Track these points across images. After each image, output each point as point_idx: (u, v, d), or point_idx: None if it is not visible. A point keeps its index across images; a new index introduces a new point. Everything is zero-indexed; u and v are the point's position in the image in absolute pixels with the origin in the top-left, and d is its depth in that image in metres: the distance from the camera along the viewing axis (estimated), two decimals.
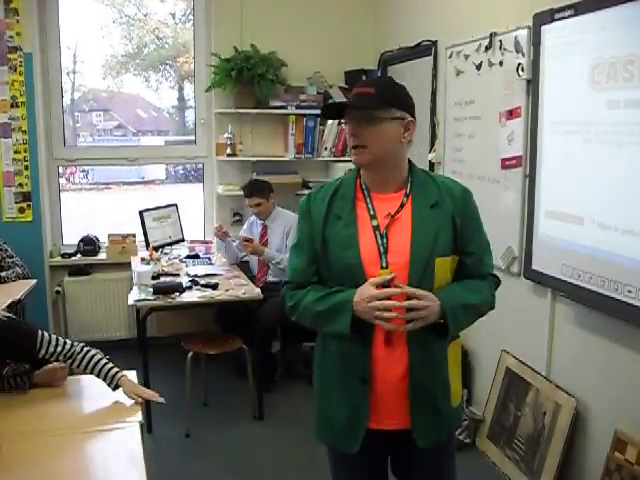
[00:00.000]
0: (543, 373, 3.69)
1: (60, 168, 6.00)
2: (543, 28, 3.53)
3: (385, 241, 2.07)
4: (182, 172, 8.81)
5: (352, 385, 2.14)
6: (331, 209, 2.15)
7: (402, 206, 2.10)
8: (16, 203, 5.53)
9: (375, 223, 2.09)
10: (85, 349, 2.80)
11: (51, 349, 2.74)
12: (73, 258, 5.80)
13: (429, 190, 2.12)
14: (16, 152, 5.47)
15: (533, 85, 3.65)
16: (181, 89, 7.01)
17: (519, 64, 3.77)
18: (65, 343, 2.78)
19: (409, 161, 2.19)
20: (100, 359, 2.78)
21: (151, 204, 5.67)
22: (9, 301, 4.42)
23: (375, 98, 2.02)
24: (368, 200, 2.14)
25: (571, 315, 3.46)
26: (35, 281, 4.97)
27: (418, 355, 2.10)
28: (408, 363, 2.10)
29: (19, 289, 4.72)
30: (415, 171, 2.17)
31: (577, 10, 3.24)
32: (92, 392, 2.81)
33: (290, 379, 5.23)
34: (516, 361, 3.94)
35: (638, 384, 2.98)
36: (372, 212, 2.11)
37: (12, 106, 5.41)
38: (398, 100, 2.07)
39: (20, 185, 5.52)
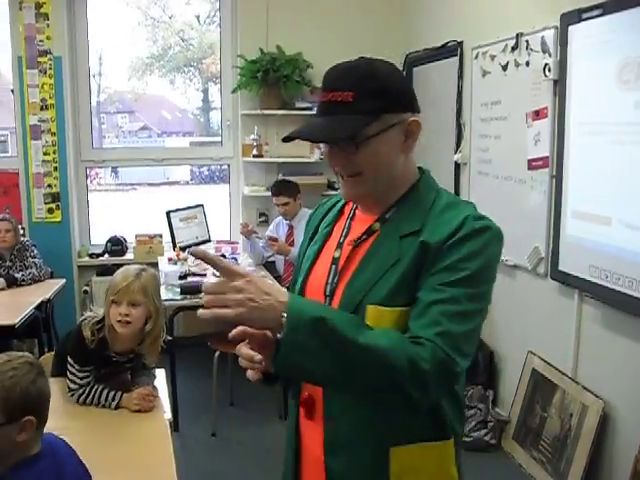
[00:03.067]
0: (570, 374, 3.67)
1: (89, 169, 6.08)
2: (570, 28, 3.52)
3: (336, 279, 1.54)
4: (207, 173, 8.87)
5: (286, 453, 1.72)
6: (320, 224, 1.71)
7: (371, 232, 1.53)
8: (45, 204, 5.61)
9: (337, 254, 1.56)
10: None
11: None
12: (101, 258, 5.87)
13: (416, 213, 1.49)
14: (45, 154, 5.55)
15: (560, 85, 3.64)
16: (206, 91, 7.06)
17: (546, 64, 3.76)
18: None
19: (422, 172, 1.59)
20: (97, 389, 2.76)
21: (176, 205, 5.70)
22: (39, 300, 4.49)
23: (356, 107, 1.42)
24: (348, 220, 1.62)
25: (598, 316, 3.45)
26: (64, 281, 5.03)
27: (335, 433, 1.54)
28: (322, 441, 1.56)
29: (49, 288, 4.79)
30: (418, 188, 1.55)
31: (605, 10, 3.23)
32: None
33: None
34: (542, 362, 3.92)
35: None
36: (342, 238, 1.59)
37: (42, 108, 5.49)
38: (390, 99, 1.45)
39: (49, 186, 5.60)
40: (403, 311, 1.41)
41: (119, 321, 2.65)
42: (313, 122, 1.51)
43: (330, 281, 1.54)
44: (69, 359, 2.73)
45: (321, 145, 1.56)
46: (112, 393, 2.72)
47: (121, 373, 2.91)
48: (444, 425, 1.50)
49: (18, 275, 4.85)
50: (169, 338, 2.91)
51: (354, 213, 1.62)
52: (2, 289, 4.71)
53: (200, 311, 1.29)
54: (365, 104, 1.42)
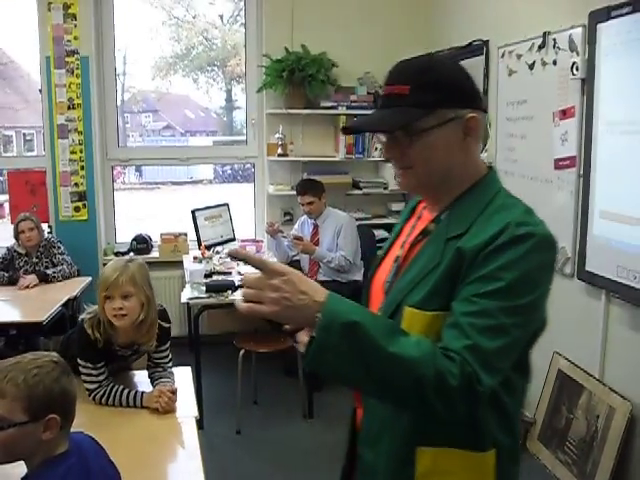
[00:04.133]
0: (596, 376, 3.64)
1: (115, 167, 6.12)
2: (599, 26, 3.49)
3: (393, 278, 1.55)
4: (230, 172, 8.90)
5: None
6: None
7: (426, 233, 1.52)
8: (72, 202, 5.66)
9: (399, 253, 1.57)
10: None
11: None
12: (126, 256, 5.90)
13: (467, 215, 1.45)
14: (72, 152, 5.60)
15: (588, 84, 3.60)
16: (229, 90, 7.09)
17: (573, 63, 3.73)
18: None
19: (490, 170, 1.55)
20: (117, 388, 2.78)
21: (200, 203, 5.74)
22: (66, 298, 4.54)
23: (411, 99, 1.42)
24: (416, 219, 1.63)
25: (626, 317, 3.42)
26: (90, 279, 5.07)
27: (369, 424, 1.60)
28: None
29: (75, 286, 4.84)
30: (476, 188, 1.50)
31: (635, 6, 3.20)
32: (148, 387, 2.86)
33: None
34: (568, 363, 3.90)
35: None
36: (406, 237, 1.60)
37: (69, 108, 5.55)
38: (448, 93, 1.43)
39: (76, 185, 5.65)
40: (435, 316, 1.38)
41: (115, 315, 2.68)
42: (371, 114, 1.56)
43: (389, 279, 1.55)
44: (79, 361, 2.75)
45: (381, 138, 1.52)
46: (133, 392, 2.75)
47: (126, 368, 2.94)
48: (482, 435, 1.45)
49: (49, 271, 4.95)
50: (167, 325, 2.91)
51: (422, 213, 1.61)
52: (35, 285, 4.82)
53: (237, 302, 1.32)
54: (420, 97, 1.41)
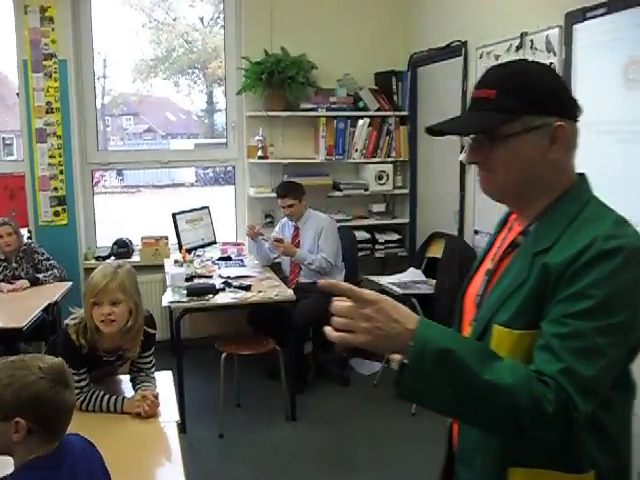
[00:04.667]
0: None
1: (95, 171, 6.09)
2: (575, 27, 3.53)
3: (483, 290, 1.53)
4: (212, 175, 8.89)
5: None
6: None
7: (515, 246, 1.49)
8: (51, 207, 5.62)
9: (490, 266, 1.54)
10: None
11: None
12: (107, 260, 5.87)
13: (554, 228, 1.39)
14: (51, 157, 5.56)
15: None
16: (210, 93, 7.08)
17: (550, 63, 3.76)
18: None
19: (581, 178, 1.50)
20: (98, 394, 2.76)
21: (181, 207, 5.72)
22: (46, 303, 4.50)
23: (496, 104, 1.40)
24: (507, 231, 1.59)
25: None
26: (70, 283, 5.04)
27: (465, 441, 1.57)
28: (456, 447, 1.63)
29: (55, 291, 4.80)
30: (565, 198, 1.44)
31: (609, 8, 3.24)
32: (130, 392, 2.84)
33: (322, 380, 5.24)
34: None
35: None
36: (497, 249, 1.57)
37: (47, 112, 5.50)
38: (534, 100, 1.39)
39: (55, 189, 5.61)
40: (523, 334, 1.35)
41: (103, 321, 2.67)
42: (457, 117, 1.54)
43: (480, 292, 1.53)
44: None
45: (468, 140, 1.49)
46: (114, 398, 2.73)
47: (112, 373, 2.92)
48: (578, 457, 1.38)
49: (40, 275, 4.95)
50: (152, 331, 2.91)
51: (512, 224, 1.57)
52: (25, 288, 4.82)
53: (328, 332, 1.30)
54: (505, 102, 1.39)
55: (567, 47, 3.62)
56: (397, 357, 1.31)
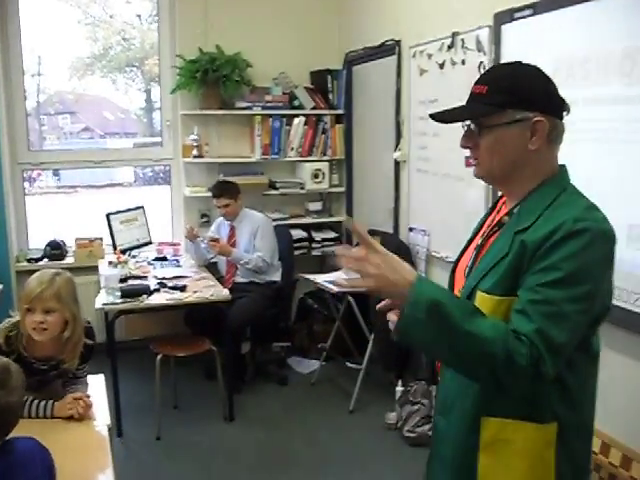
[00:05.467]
0: None
1: (26, 172, 5.94)
2: (503, 27, 3.59)
3: (472, 263, 1.76)
4: (151, 174, 8.78)
5: None
6: None
7: (501, 225, 1.71)
8: None
9: (480, 242, 1.76)
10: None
11: None
12: (40, 263, 5.73)
13: (534, 210, 1.62)
14: None
15: None
16: (148, 91, 6.99)
17: (481, 62, 3.82)
18: None
19: (561, 169, 1.70)
20: (27, 399, 2.67)
21: (120, 207, 5.64)
22: None
23: (487, 99, 1.63)
24: (496, 213, 1.81)
25: None
26: (1, 286, 4.93)
27: (443, 395, 1.82)
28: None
29: None
30: (545, 184, 1.66)
31: (536, 9, 3.31)
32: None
33: (260, 380, 5.24)
34: None
35: None
36: (487, 229, 1.79)
37: None
38: (518, 97, 1.61)
39: None
40: (502, 300, 1.57)
41: (34, 329, 2.61)
42: (455, 107, 1.72)
43: (470, 265, 1.76)
44: None
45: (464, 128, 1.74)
46: (43, 402, 2.67)
47: (50, 383, 2.85)
48: (541, 408, 1.60)
49: None
50: (90, 342, 2.86)
51: (501, 207, 1.79)
52: None
53: (339, 281, 1.61)
54: (494, 97, 1.62)
55: (496, 47, 3.68)
56: (393, 317, 1.64)
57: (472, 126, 1.67)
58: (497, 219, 1.75)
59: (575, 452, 1.67)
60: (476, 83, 1.69)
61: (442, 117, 1.75)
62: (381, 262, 1.50)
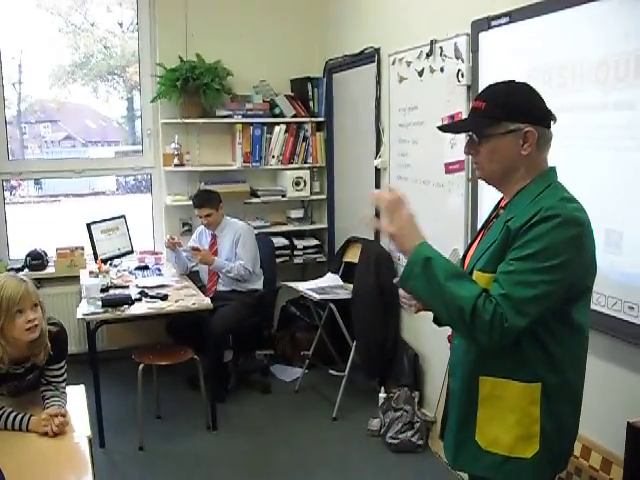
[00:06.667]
0: None
1: (6, 181, 5.89)
2: (481, 35, 3.61)
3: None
4: (133, 183, 8.75)
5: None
6: None
7: (497, 217, 2.04)
8: None
9: (482, 231, 2.13)
10: None
11: None
12: (20, 273, 5.70)
13: (522, 203, 1.92)
14: None
15: (472, 91, 3.71)
16: (130, 99, 6.97)
17: (459, 70, 3.84)
18: None
19: (550, 169, 2.00)
20: (4, 411, 2.69)
21: (102, 216, 5.62)
22: None
23: (484, 113, 1.94)
24: (497, 208, 2.13)
25: None
26: None
27: (453, 357, 2.15)
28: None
29: None
30: (533, 182, 1.96)
31: (512, 18, 3.33)
32: (39, 409, 2.77)
33: (243, 388, 5.22)
34: None
35: None
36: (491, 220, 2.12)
37: None
38: (511, 111, 1.90)
39: None
40: (491, 276, 1.88)
41: (28, 329, 2.62)
42: (458, 120, 2.21)
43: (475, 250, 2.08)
44: None
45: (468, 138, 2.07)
46: (20, 416, 2.67)
47: (27, 388, 2.85)
48: (526, 369, 1.91)
49: None
50: (54, 329, 2.85)
51: (501, 203, 2.09)
52: None
53: (369, 217, 2.08)
54: (491, 111, 1.93)
55: (474, 54, 3.70)
56: (403, 292, 2.12)
57: (473, 136, 1.96)
58: (496, 212, 2.09)
59: (559, 412, 1.95)
60: (476, 99, 2.00)
61: (449, 129, 2.23)
62: (409, 218, 1.94)
